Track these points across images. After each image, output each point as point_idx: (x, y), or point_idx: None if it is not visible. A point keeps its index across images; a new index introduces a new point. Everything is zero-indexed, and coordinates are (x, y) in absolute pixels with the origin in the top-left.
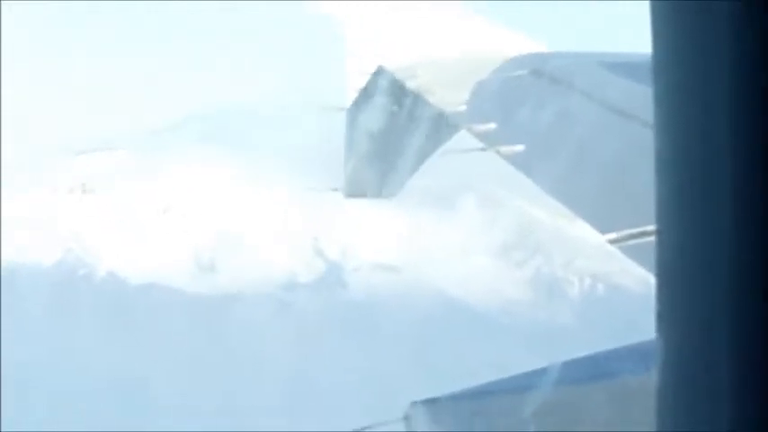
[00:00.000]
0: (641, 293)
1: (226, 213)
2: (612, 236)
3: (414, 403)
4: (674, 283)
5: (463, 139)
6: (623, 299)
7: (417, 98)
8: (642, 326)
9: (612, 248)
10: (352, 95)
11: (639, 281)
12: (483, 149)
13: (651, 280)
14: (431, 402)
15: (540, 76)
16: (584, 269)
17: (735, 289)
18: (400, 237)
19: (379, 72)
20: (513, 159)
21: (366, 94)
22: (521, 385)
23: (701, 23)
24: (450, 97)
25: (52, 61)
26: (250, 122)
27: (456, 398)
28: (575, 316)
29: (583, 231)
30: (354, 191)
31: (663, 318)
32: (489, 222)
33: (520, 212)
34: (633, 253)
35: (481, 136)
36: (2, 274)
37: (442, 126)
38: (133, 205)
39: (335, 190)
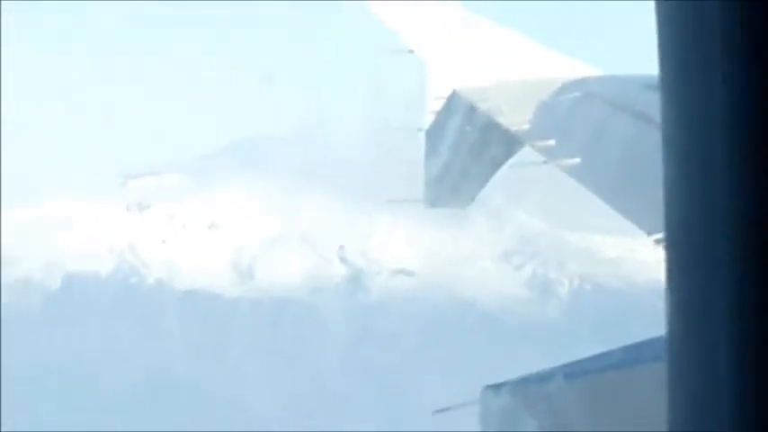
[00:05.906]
0: (624, 292)
1: (264, 228)
2: (659, 236)
3: (486, 387)
4: (682, 260)
5: (528, 153)
6: (607, 297)
7: (488, 118)
8: (623, 321)
9: (605, 254)
10: (430, 118)
11: (624, 281)
12: (545, 162)
13: (634, 281)
14: (501, 386)
15: (594, 97)
16: (574, 271)
17: (735, 275)
18: (417, 244)
19: (453, 96)
20: (571, 171)
21: (442, 116)
22: (584, 369)
23: (700, 22)
24: (516, 117)
25: (114, 95)
26: (290, 147)
27: (524, 382)
28: (564, 312)
29: (577, 239)
30: (434, 201)
31: (671, 308)
32: (495, 232)
33: (521, 223)
34: None
35: (543, 150)
36: (64, 280)
37: (510, 142)
38: (182, 221)
39: (417, 201)
